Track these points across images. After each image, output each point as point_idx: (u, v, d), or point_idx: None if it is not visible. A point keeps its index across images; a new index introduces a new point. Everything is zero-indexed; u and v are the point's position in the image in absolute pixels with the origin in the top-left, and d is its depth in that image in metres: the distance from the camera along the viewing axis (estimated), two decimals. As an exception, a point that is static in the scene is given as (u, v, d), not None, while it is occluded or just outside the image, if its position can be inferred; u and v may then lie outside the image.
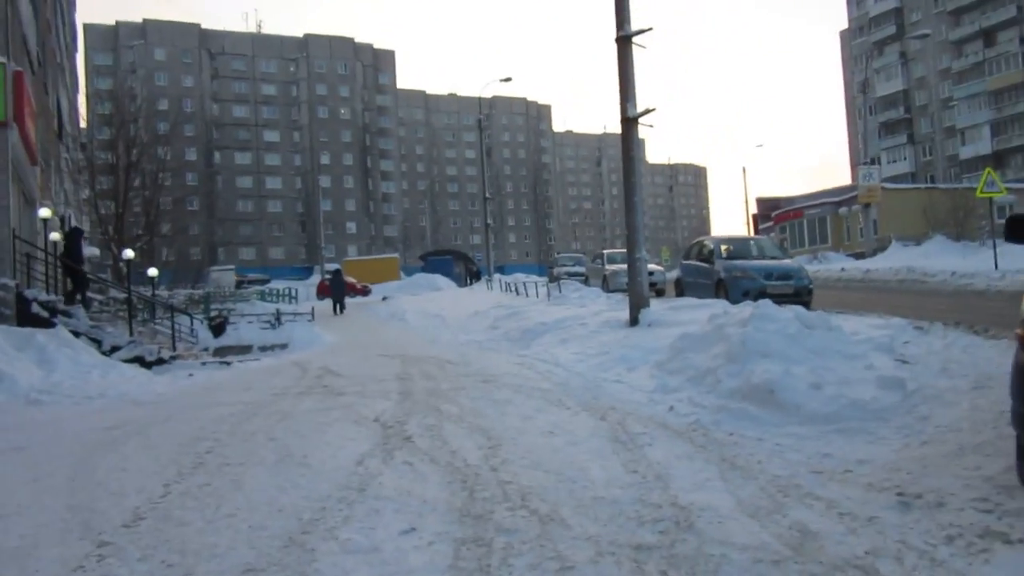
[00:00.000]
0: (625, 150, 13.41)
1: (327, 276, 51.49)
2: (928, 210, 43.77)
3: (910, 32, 74.75)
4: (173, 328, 14.84)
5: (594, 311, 15.54)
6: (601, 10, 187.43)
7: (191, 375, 12.24)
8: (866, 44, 79.60)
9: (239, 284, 54.66)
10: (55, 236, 16.16)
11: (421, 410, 7.27)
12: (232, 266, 67.23)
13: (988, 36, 68.81)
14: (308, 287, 51.09)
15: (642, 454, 5.26)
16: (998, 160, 64.79)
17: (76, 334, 13.02)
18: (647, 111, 13.19)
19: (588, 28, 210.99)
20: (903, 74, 76.76)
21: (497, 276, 38.63)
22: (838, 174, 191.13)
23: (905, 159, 76.17)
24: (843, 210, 51.77)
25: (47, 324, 12.85)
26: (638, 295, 13.12)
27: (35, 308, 13.15)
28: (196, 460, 5.44)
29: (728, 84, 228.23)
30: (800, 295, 14.49)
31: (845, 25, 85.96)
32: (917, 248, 36.64)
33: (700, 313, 12.49)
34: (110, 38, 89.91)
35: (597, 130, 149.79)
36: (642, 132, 13.16)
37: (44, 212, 13.61)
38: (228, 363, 13.75)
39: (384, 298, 33.11)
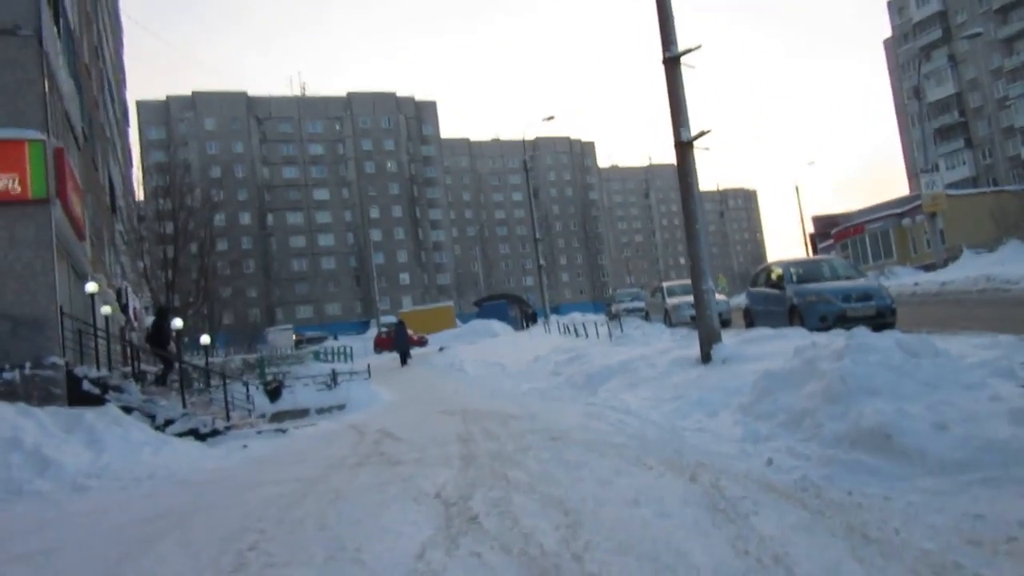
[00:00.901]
0: (682, 176, 12.66)
1: (383, 330, 51.41)
2: (997, 214, 41.89)
3: (957, 35, 73.09)
4: (226, 396, 14.46)
5: (661, 349, 14.69)
6: (640, 39, 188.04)
7: (245, 446, 11.75)
8: (912, 50, 77.76)
9: (298, 343, 54.95)
10: (107, 310, 16.03)
11: (486, 479, 6.56)
12: (290, 326, 67.79)
13: (1039, 31, 66.60)
14: (365, 341, 51.02)
15: (749, 526, 4.45)
16: (1064, 156, 62.16)
17: (128, 410, 12.67)
18: (701, 133, 12.45)
19: (626, 60, 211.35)
20: (953, 77, 74.62)
21: (554, 317, 37.93)
22: (894, 186, 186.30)
23: (964, 164, 73.62)
24: (907, 221, 49.87)
25: (99, 401, 12.54)
26: (708, 329, 12.25)
27: (86, 386, 12.86)
28: (237, 560, 4.80)
29: (771, 104, 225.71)
30: (883, 316, 13.47)
31: (888, 33, 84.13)
32: (991, 255, 34.86)
33: (779, 345, 11.60)
34: (162, 112, 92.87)
35: (643, 162, 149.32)
36: (697, 156, 12.43)
37: (91, 286, 13.43)
38: (284, 430, 13.25)
39: (441, 348, 32.59)
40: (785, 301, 14.51)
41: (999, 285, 22.91)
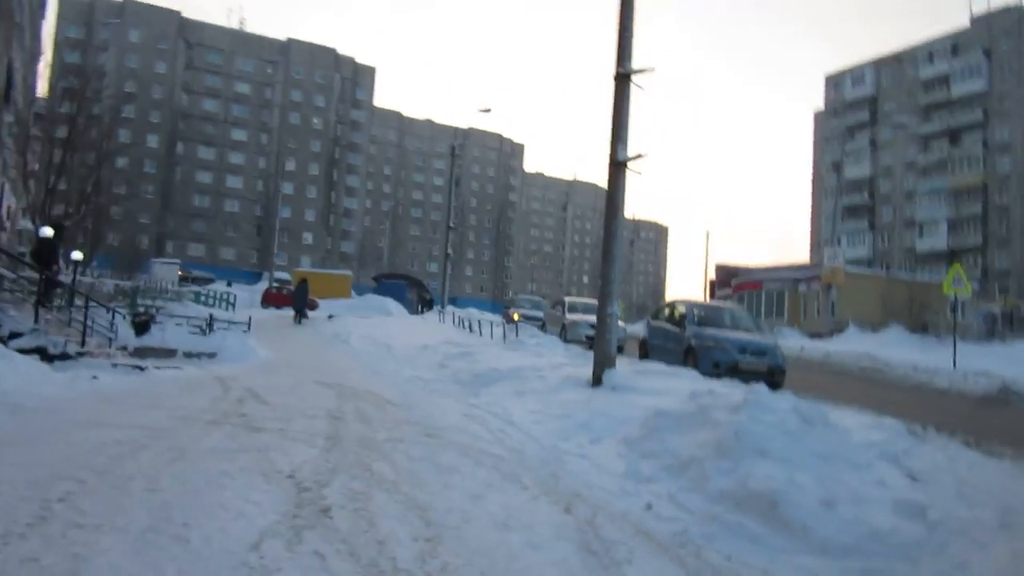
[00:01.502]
0: (610, 195, 12.42)
1: (275, 285, 49.68)
2: (886, 298, 43.87)
3: (882, 121, 76.73)
4: (86, 320, 13.29)
5: (553, 363, 14.42)
6: (591, 55, 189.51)
7: (95, 377, 10.75)
8: (840, 127, 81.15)
9: (183, 280, 52.50)
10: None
11: (349, 467, 6.02)
12: (177, 260, 64.82)
13: (954, 135, 70.50)
14: (254, 293, 49.15)
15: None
16: (951, 257, 65.89)
17: (-29, 315, 11.48)
18: (638, 156, 12.25)
19: (571, 72, 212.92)
20: (871, 160, 78.20)
21: (450, 308, 37.40)
22: (796, 250, 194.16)
23: (864, 243, 77.20)
24: (803, 287, 51.70)
25: (-60, 299, 11.31)
26: (604, 353, 12.04)
27: (-73, 280, 11.59)
28: (39, 512, 4.12)
29: (697, 146, 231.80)
30: (773, 375, 13.60)
31: (821, 107, 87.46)
32: (874, 335, 36.49)
33: (671, 383, 11.50)
34: (86, 12, 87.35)
35: (567, 175, 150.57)
36: (628, 179, 12.22)
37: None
38: (143, 368, 12.25)
39: (330, 316, 31.57)
40: (683, 340, 14.50)
41: (879, 365, 23.84)
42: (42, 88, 43.03)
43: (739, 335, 14.31)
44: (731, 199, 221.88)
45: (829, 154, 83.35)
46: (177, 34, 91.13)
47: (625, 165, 12.38)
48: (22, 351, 11.46)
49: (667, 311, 16.24)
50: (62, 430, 6.40)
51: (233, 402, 9.36)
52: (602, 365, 11.93)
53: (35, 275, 14.13)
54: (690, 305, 15.80)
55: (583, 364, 14.61)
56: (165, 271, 53.92)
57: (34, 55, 40.75)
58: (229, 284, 56.53)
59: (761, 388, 7.51)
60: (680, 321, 15.11)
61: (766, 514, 5.20)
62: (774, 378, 13.52)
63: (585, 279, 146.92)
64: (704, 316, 15.02)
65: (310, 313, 34.75)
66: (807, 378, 17.67)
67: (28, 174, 24.10)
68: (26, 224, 26.93)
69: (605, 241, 12.46)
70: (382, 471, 6.02)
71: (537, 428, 9.18)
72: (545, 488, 6.03)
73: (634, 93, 12.39)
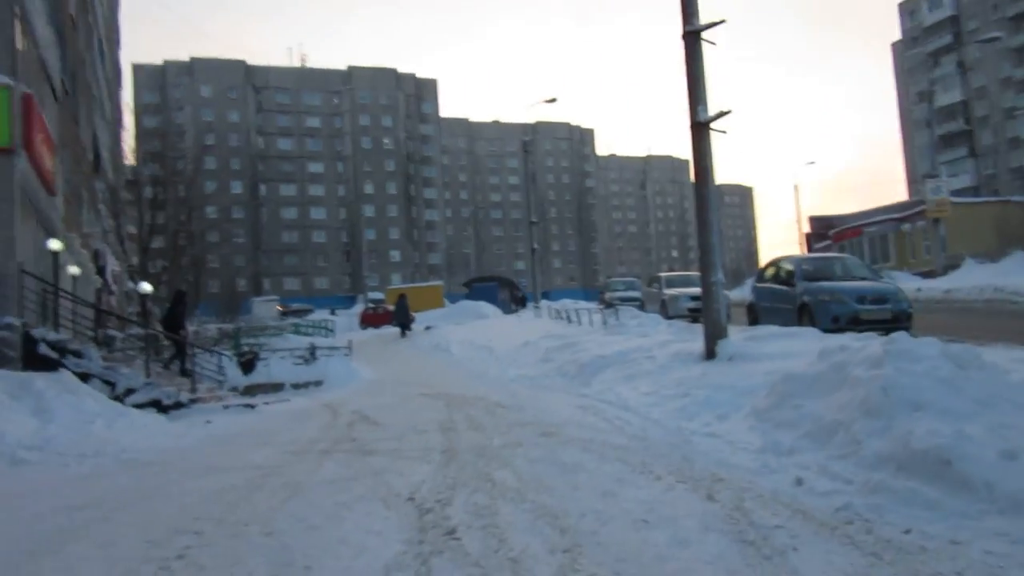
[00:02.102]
0: (697, 159, 11.76)
1: (370, 306, 50.46)
2: (1000, 225, 41.18)
3: (967, 41, 72.19)
4: (193, 367, 13.51)
5: (659, 341, 13.84)
6: (650, 21, 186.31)
7: (208, 422, 10.86)
8: (921, 55, 76.92)
9: (283, 314, 53.93)
10: (74, 270, 15.05)
11: (469, 480, 5.70)
12: (275, 296, 66.76)
13: (1051, 41, 65.83)
14: (351, 317, 50.02)
15: (790, 569, 3.60)
16: (1066, 170, 61.58)
17: (87, 377, 11.76)
18: (721, 114, 11.56)
19: (631, 50, 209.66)
20: (961, 84, 73.79)
21: (544, 302, 37.05)
22: (891, 191, 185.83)
23: (966, 172, 72.97)
24: (906, 227, 49.14)
25: (57, 366, 11.63)
26: (715, 323, 11.40)
27: (43, 349, 11.93)
28: (159, 572, 3.92)
29: (771, 100, 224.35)
30: (899, 321, 12.65)
31: (898, 36, 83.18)
32: (994, 266, 34.15)
33: (790, 344, 10.79)
34: (158, 77, 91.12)
35: (641, 152, 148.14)
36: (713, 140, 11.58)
37: (54, 244, 12.39)
38: (253, 406, 12.36)
39: (427, 327, 31.70)
40: (795, 299, 13.68)
41: (1007, 296, 22.19)
42: (128, 155, 44.95)
43: (855, 284, 13.39)
44: (814, 149, 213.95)
45: (914, 85, 79.10)
46: (245, 81, 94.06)
47: (707, 125, 11.72)
48: (138, 406, 11.71)
49: (772, 270, 15.40)
50: (177, 481, 6.31)
51: (343, 427, 9.22)
52: (713, 336, 11.31)
53: (147, 332, 14.49)
54: (797, 260, 14.93)
55: (691, 338, 13.97)
56: (265, 308, 55.58)
57: (117, 125, 42.64)
58: (333, 312, 57.67)
59: (901, 335, 6.82)
60: (788, 279, 14.28)
61: (938, 475, 4.59)
62: (900, 324, 12.58)
63: (675, 253, 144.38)
64: (813, 269, 14.13)
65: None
66: (933, 320, 16.51)
67: (124, 237, 25.05)
68: (131, 285, 27.99)
69: (698, 208, 11.83)
70: (504, 480, 5.67)
71: (656, 411, 8.70)
72: (680, 475, 5.56)
73: (715, 45, 11.74)
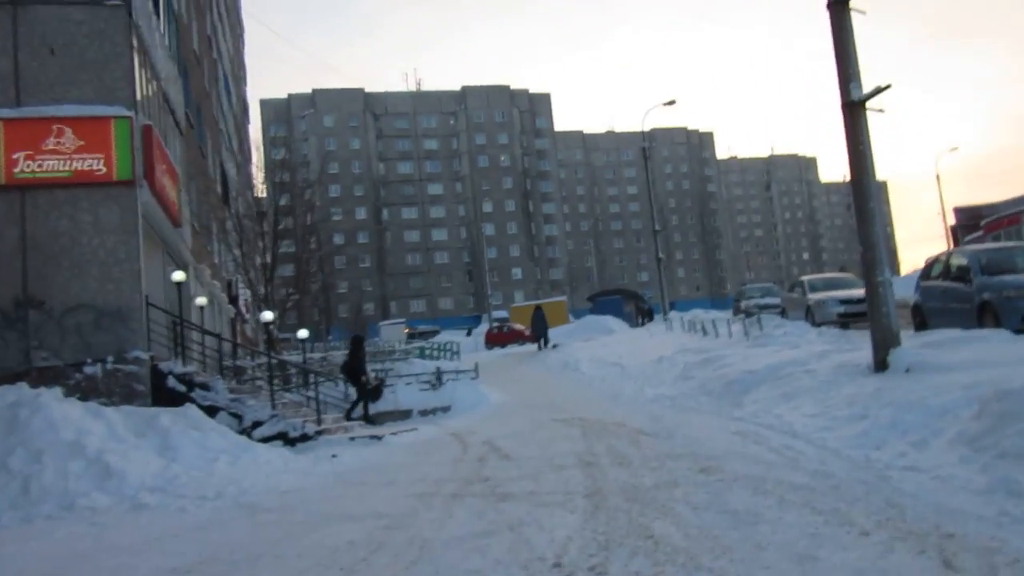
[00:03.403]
0: (852, 143, 10.41)
1: (495, 325, 50.23)
2: None
3: None
4: (318, 397, 13.16)
5: (815, 352, 12.42)
6: (759, 24, 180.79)
7: (334, 456, 10.33)
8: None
9: (410, 336, 54.43)
10: (201, 301, 15.10)
11: (624, 536, 4.74)
12: (402, 319, 67.79)
13: None
14: (476, 336, 49.89)
15: None
16: None
17: (214, 410, 11.54)
18: (878, 90, 10.17)
19: (745, 48, 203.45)
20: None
21: (674, 313, 35.56)
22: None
23: None
24: (1076, 211, 44.60)
25: (184, 400, 11.47)
26: (885, 330, 9.98)
27: (171, 383, 11.82)
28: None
29: (905, 80, 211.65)
30: (1108, 317, 10.78)
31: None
32: None
33: (982, 350, 9.29)
34: (283, 110, 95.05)
35: (763, 153, 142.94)
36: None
37: (178, 275, 12.34)
38: (379, 437, 11.79)
39: (554, 345, 30.88)
40: (973, 297, 11.95)
41: None
42: (257, 187, 46.56)
43: (1047, 277, 11.56)
44: (954, 134, 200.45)
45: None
46: (364, 109, 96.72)
47: (863, 104, 10.36)
48: (265, 439, 11.37)
49: (942, 266, 13.63)
50: (292, 535, 5.64)
51: (473, 462, 8.44)
52: (884, 344, 9.89)
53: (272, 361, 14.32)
54: (971, 253, 13.11)
55: (852, 347, 12.51)
56: (392, 332, 56.33)
57: (245, 158, 44.26)
58: (469, 332, 57.76)
59: None
60: (963, 274, 12.52)
61: None
62: (1109, 325, 10.73)
63: (805, 256, 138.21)
64: (992, 261, 12.32)
65: (534, 346, 34.39)
66: None
67: (252, 267, 25.57)
68: (263, 315, 28.55)
69: (856, 198, 10.47)
70: (667, 535, 4.67)
71: (831, 437, 7.46)
72: (892, 528, 4.41)
73: (866, 14, 10.43)
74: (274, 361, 14.74)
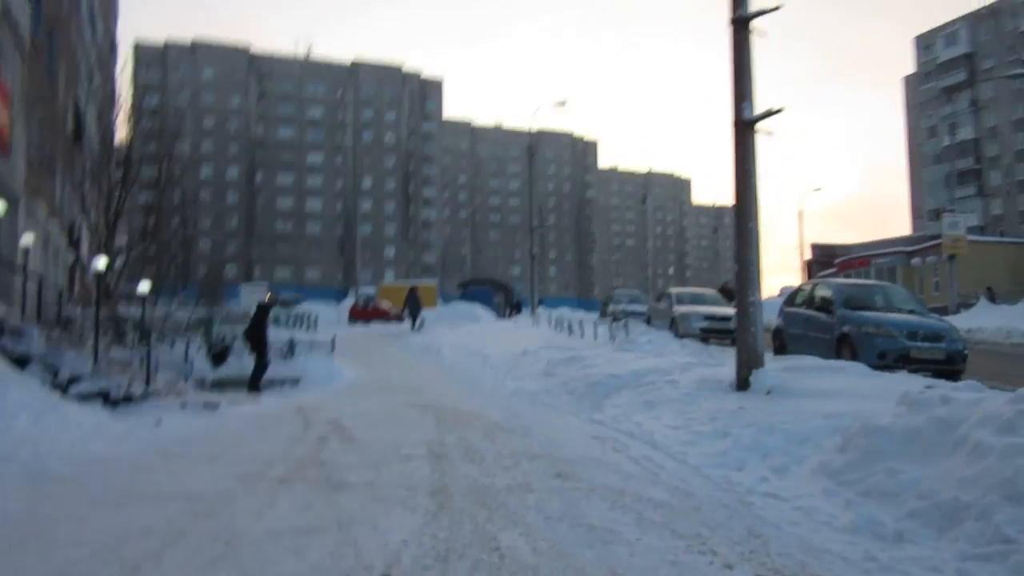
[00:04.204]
0: (738, 162, 10.33)
1: (360, 300, 48.84)
2: (1015, 267, 40.01)
3: (981, 79, 71.08)
4: (149, 357, 11.94)
5: (678, 363, 12.37)
6: (656, 39, 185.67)
7: (159, 422, 9.28)
8: (934, 90, 75.83)
9: (271, 302, 52.12)
10: (27, 240, 13.47)
11: (466, 545, 4.19)
12: (265, 282, 64.95)
13: (1066, 85, 64.71)
14: (340, 311, 48.34)
15: None
16: (1076, 217, 60.49)
17: (25, 360, 10.20)
18: (770, 112, 10.13)
19: (634, 61, 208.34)
20: (974, 122, 72.74)
21: (541, 309, 35.58)
22: (891, 224, 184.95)
23: (974, 211, 71.77)
24: (916, 261, 47.96)
25: (-10, 345, 10.08)
26: (751, 350, 9.96)
27: (-25, 324, 10.37)
28: None
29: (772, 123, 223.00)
30: (953, 363, 11.25)
31: (910, 70, 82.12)
32: (1012, 307, 32.81)
33: (839, 380, 9.37)
34: (159, 56, 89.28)
35: (643, 168, 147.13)
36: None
37: (-4, 205, 10.76)
38: (215, 405, 10.80)
39: (420, 325, 30.19)
40: (833, 328, 12.21)
41: (1038, 341, 20.89)
42: (122, 132, 43.23)
43: (904, 318, 11.93)
44: (815, 176, 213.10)
45: (925, 119, 78.12)
46: (248, 68, 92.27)
47: (753, 125, 10.29)
48: (83, 397, 10.16)
49: (806, 295, 13.94)
50: (79, 515, 4.76)
51: (313, 442, 7.69)
52: (748, 365, 9.87)
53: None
54: (835, 286, 13.46)
55: (715, 363, 12.55)
56: (253, 294, 53.77)
57: (110, 100, 40.93)
58: (304, 300, 56.05)
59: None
60: (825, 305, 12.81)
61: None
62: (955, 367, 11.16)
63: (671, 270, 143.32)
64: (854, 296, 12.66)
65: (398, 326, 33.59)
66: (980, 364, 15.01)
67: (83, 210, 23.54)
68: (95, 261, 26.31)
69: (737, 217, 10.38)
70: (515, 548, 4.16)
71: (693, 452, 7.21)
72: (755, 562, 4.07)
73: (766, 35, 10.32)
74: (105, 314, 13.37)
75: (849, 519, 4.87)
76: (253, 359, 13.92)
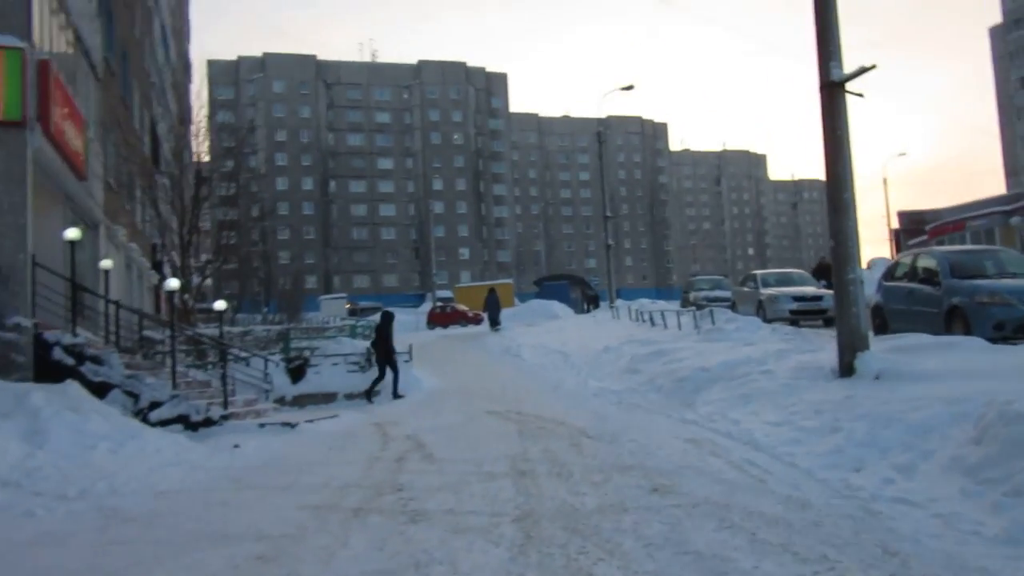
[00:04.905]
0: (827, 128, 9.51)
1: (438, 304, 48.93)
2: None
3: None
4: (225, 377, 11.83)
5: (771, 350, 11.58)
6: (721, 19, 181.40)
7: (236, 446, 9.08)
8: (1022, 39, 71.67)
9: (352, 312, 52.74)
10: (106, 264, 13.60)
11: (558, 585, 3.68)
12: (344, 295, 65.82)
13: None
14: (419, 316, 48.53)
15: None
16: None
17: (106, 388, 10.18)
18: (862, 70, 9.27)
19: (702, 41, 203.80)
20: (1068, 68, 68.52)
21: (620, 302, 34.78)
22: (982, 185, 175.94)
23: (1074, 163, 67.65)
24: (1015, 220, 45.08)
25: (73, 374, 10.07)
26: (853, 332, 9.15)
27: (57, 354, 10.38)
28: None
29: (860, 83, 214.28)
30: (1081, 330, 10.14)
31: (997, 20, 77.81)
32: None
33: (957, 359, 8.50)
34: (231, 72, 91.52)
35: (715, 147, 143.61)
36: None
37: (71, 233, 10.78)
38: (293, 425, 10.57)
39: (497, 328, 29.86)
40: (941, 301, 11.22)
41: None
42: (199, 150, 44.22)
43: (1019, 282, 10.85)
44: (899, 140, 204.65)
45: (1015, 70, 73.95)
46: (316, 77, 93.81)
47: (843, 86, 9.46)
48: (164, 423, 10.08)
49: (907, 267, 12.90)
50: (143, 561, 4.45)
51: (390, 464, 7.31)
52: (852, 347, 9.06)
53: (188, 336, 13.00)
54: (940, 254, 12.41)
55: (812, 348, 11.70)
56: (333, 307, 54.49)
57: (186, 118, 41.96)
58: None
59: None
60: (929, 276, 11.80)
61: None
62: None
63: (750, 251, 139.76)
64: (961, 264, 11.61)
65: (476, 328, 33.36)
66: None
67: (160, 229, 23.99)
68: (169, 282, 26.80)
69: (830, 189, 9.56)
70: (613, 587, 3.63)
71: (801, 452, 6.53)
72: (900, 592, 3.43)
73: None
74: (184, 334, 13.35)
75: (1001, 527, 4.17)
76: (377, 369, 14.25)
